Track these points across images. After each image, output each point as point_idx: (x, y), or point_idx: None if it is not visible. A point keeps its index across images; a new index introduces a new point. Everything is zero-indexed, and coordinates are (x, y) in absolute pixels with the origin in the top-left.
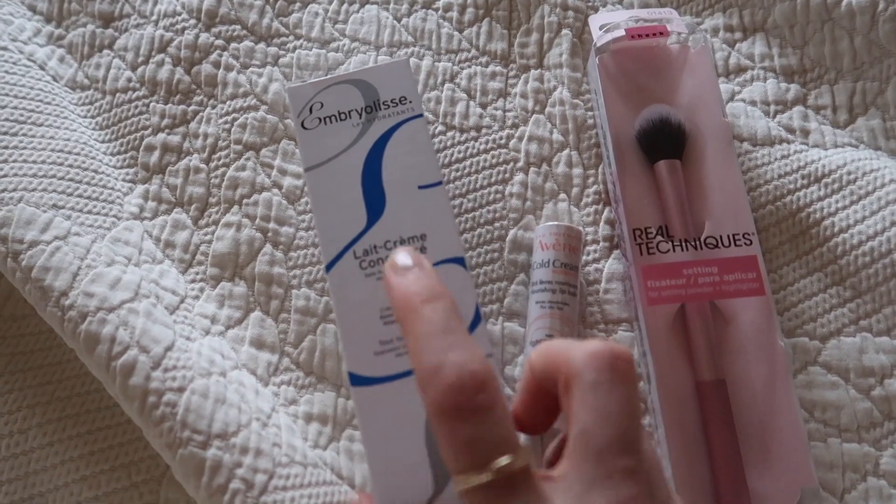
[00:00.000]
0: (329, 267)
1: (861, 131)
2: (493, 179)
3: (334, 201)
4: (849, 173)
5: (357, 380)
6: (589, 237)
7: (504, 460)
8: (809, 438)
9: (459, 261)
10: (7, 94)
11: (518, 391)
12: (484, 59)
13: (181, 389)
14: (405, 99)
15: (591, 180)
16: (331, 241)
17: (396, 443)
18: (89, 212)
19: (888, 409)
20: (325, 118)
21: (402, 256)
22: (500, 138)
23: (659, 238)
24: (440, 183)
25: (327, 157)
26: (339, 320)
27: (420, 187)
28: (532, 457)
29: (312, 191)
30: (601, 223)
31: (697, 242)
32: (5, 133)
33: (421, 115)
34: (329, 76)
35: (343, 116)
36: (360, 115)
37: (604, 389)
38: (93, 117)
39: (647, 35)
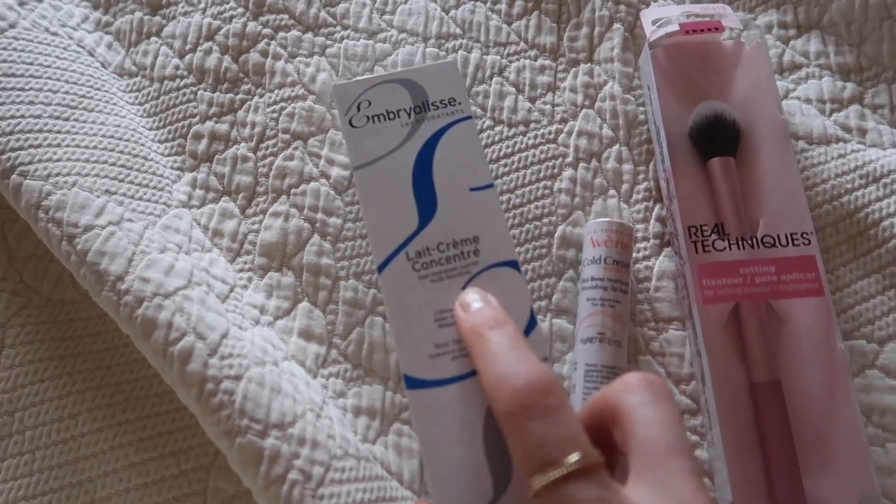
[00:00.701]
0: (381, 268)
1: None
2: (541, 175)
3: (385, 201)
4: None
5: (413, 382)
6: (639, 234)
7: (575, 456)
8: (868, 443)
9: (513, 264)
10: (59, 80)
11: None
12: (533, 53)
13: (238, 377)
14: (454, 100)
15: (641, 177)
16: (382, 241)
17: (454, 446)
18: (140, 198)
19: None
20: (373, 117)
21: (471, 296)
22: (549, 133)
23: (714, 236)
24: (492, 185)
25: (377, 157)
26: (393, 322)
27: (472, 189)
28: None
29: (362, 190)
30: (652, 220)
31: (754, 241)
32: (58, 118)
33: (470, 118)
34: (376, 75)
35: (392, 116)
36: (409, 114)
37: (650, 404)
38: (141, 104)
39: (702, 30)
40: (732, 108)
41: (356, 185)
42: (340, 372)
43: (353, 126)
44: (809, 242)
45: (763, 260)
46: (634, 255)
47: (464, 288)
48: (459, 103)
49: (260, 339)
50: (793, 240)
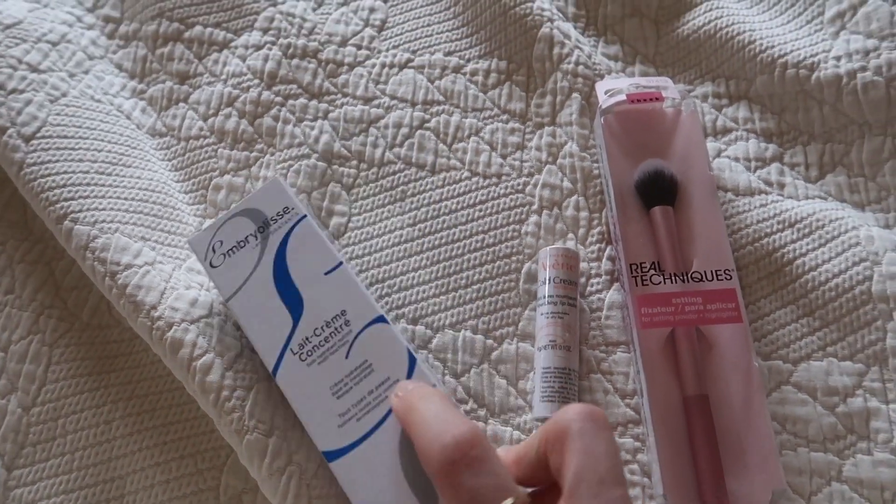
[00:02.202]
0: (275, 372)
1: (829, 186)
2: (511, 219)
3: (259, 315)
4: (818, 220)
5: (332, 455)
6: (592, 271)
7: (508, 503)
8: (781, 448)
9: (381, 319)
10: (103, 140)
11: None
12: (505, 117)
13: (249, 388)
14: (288, 209)
15: (595, 222)
16: (269, 349)
17: (384, 494)
18: (169, 244)
19: (850, 424)
20: (227, 252)
21: (401, 384)
22: (518, 185)
23: (652, 272)
24: (341, 263)
25: (241, 283)
26: (299, 412)
27: (326, 273)
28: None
29: (239, 315)
30: (604, 259)
31: (685, 276)
32: (102, 173)
33: (305, 216)
34: (216, 219)
35: (242, 244)
36: (256, 236)
37: (589, 434)
38: (169, 160)
39: (646, 100)
40: (671, 165)
41: (233, 314)
42: None
43: (213, 267)
44: (731, 278)
45: (692, 292)
46: (589, 288)
47: (347, 357)
48: (293, 209)
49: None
50: (717, 275)
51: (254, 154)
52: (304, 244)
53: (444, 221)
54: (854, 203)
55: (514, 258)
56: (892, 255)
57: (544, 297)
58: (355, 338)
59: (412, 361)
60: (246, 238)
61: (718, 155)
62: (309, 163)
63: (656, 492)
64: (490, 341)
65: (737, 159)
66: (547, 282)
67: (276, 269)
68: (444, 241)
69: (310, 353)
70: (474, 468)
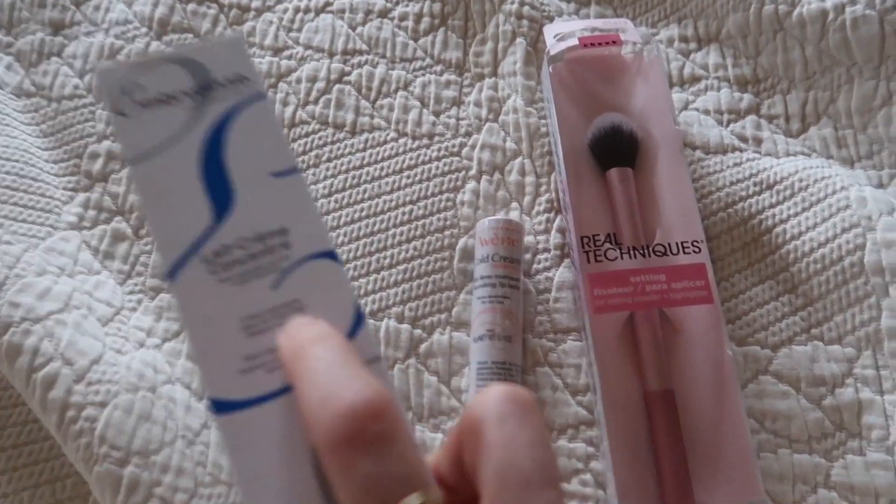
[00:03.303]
0: (171, 274)
1: (813, 140)
2: (444, 187)
3: (170, 197)
4: (800, 180)
5: (221, 406)
6: (540, 246)
7: (413, 499)
8: (760, 449)
9: (330, 255)
10: None
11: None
12: (438, 68)
13: (104, 404)
14: (243, 78)
15: (543, 188)
16: (171, 244)
17: (277, 476)
18: (23, 220)
19: (839, 420)
20: (146, 102)
21: (294, 321)
22: (453, 146)
23: (607, 245)
24: (296, 169)
25: (155, 147)
26: (192, 337)
27: (273, 175)
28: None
29: (141, 187)
30: (553, 231)
31: (646, 250)
32: None
33: (263, 96)
34: (142, 55)
35: (170, 100)
36: (192, 98)
37: (513, 421)
38: (37, 124)
39: (601, 44)
40: (630, 120)
41: (133, 182)
42: None
43: (122, 115)
44: (700, 251)
45: (654, 269)
46: (535, 266)
47: (275, 287)
48: (249, 80)
49: (140, 363)
50: (683, 248)
51: None
52: (253, 129)
53: (365, 191)
54: (842, 159)
55: (447, 233)
56: (888, 219)
57: (480, 278)
58: (292, 267)
59: (358, 318)
60: (177, 94)
61: (686, 107)
62: None
63: None
64: (418, 331)
65: (707, 112)
66: (485, 260)
67: (209, 147)
68: (365, 213)
69: (226, 268)
70: (375, 449)
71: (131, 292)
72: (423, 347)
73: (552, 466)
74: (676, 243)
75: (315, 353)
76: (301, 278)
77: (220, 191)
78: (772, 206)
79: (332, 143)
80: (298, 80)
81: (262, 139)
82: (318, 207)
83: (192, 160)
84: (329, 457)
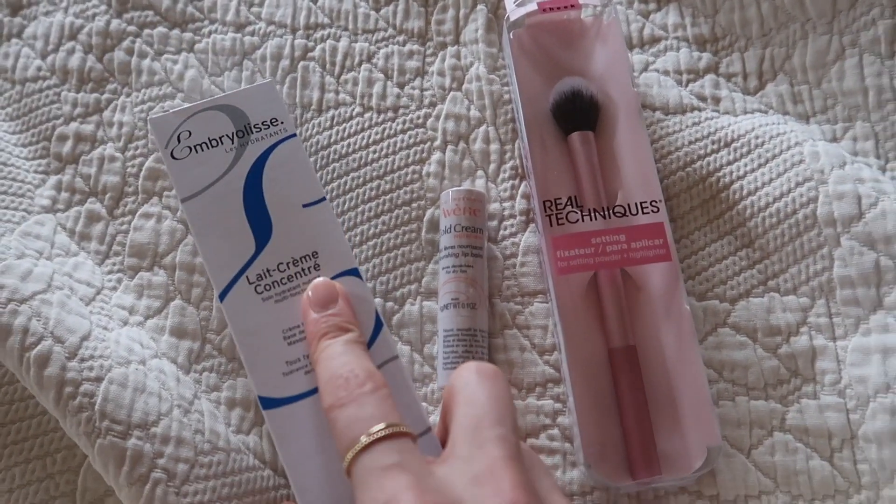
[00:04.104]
0: (223, 296)
1: (770, 97)
2: (410, 160)
3: (219, 229)
4: (756, 137)
5: (268, 403)
6: (506, 212)
7: (379, 426)
8: (718, 398)
9: (354, 272)
10: None
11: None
12: (401, 38)
13: (99, 379)
14: (276, 120)
15: (508, 155)
16: (221, 269)
17: (314, 457)
18: None
19: (794, 366)
20: (195, 146)
21: (318, 290)
22: (418, 118)
23: (569, 208)
24: (324, 199)
25: (204, 186)
26: (241, 347)
27: (304, 206)
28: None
29: (193, 221)
30: (518, 197)
31: (607, 212)
32: None
33: (294, 136)
34: (193, 104)
35: (214, 143)
36: (233, 140)
37: (473, 385)
38: (2, 108)
39: (560, 8)
40: (591, 84)
41: (187, 218)
42: (215, 366)
43: (175, 158)
44: (658, 210)
45: (614, 229)
46: (502, 232)
47: (304, 298)
48: (282, 122)
49: (126, 339)
50: (642, 208)
51: (105, 96)
52: (286, 166)
53: (333, 170)
54: (798, 115)
55: (415, 205)
56: (839, 172)
57: (444, 248)
58: None
59: (378, 325)
60: (221, 138)
61: (646, 68)
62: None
63: (578, 459)
64: (390, 304)
65: (666, 73)
66: (448, 230)
67: (249, 184)
68: (334, 193)
69: (268, 288)
70: (358, 403)
71: (110, 272)
72: (395, 319)
73: (503, 413)
74: (636, 204)
75: (331, 344)
76: None
77: (260, 222)
78: (729, 163)
79: (301, 123)
80: (263, 59)
81: (294, 174)
82: (342, 230)
83: (237, 196)
84: (328, 414)
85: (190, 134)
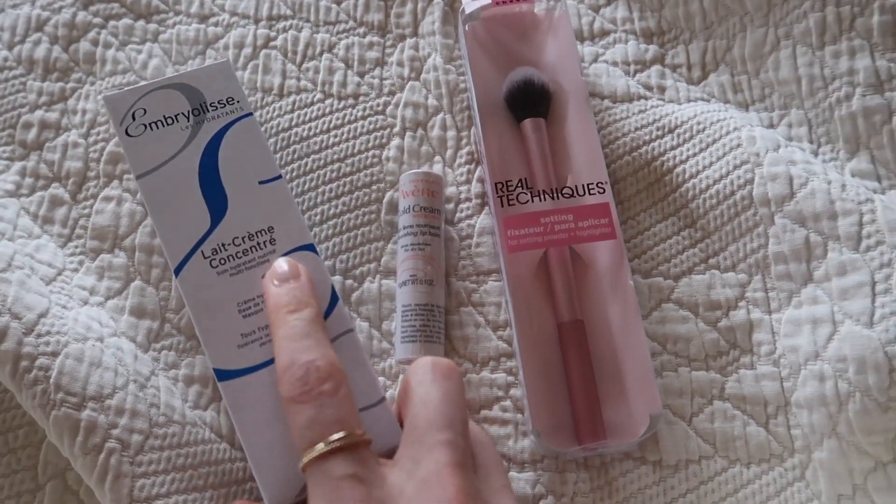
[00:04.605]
0: (178, 271)
1: (712, 87)
2: (370, 144)
3: (174, 205)
4: (698, 123)
5: (223, 374)
6: (462, 195)
7: (338, 434)
8: (662, 369)
9: (309, 247)
10: None
11: None
12: (362, 30)
13: (55, 354)
14: (232, 100)
15: (464, 142)
16: (176, 244)
17: (269, 428)
18: None
19: (733, 339)
20: (149, 124)
21: (281, 266)
22: (378, 105)
23: (519, 190)
24: (280, 176)
25: (159, 163)
26: (197, 321)
27: (260, 182)
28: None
29: (148, 198)
30: (473, 181)
31: (555, 193)
32: None
33: (251, 115)
34: (148, 82)
35: (170, 121)
36: (188, 118)
37: (426, 384)
38: None
39: (513, 1)
40: (542, 73)
41: (141, 194)
42: (173, 344)
43: (129, 136)
44: (604, 191)
45: (563, 209)
46: (458, 214)
47: (264, 277)
48: (238, 101)
49: (85, 317)
50: (589, 190)
51: (70, 85)
52: (242, 144)
53: (294, 151)
54: (738, 103)
55: (374, 187)
56: (773, 154)
57: (403, 228)
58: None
59: (334, 299)
60: (176, 116)
61: (596, 60)
62: None
63: (528, 428)
64: (350, 281)
65: (615, 63)
66: (406, 211)
67: (204, 160)
68: (295, 173)
69: (223, 262)
70: (318, 402)
71: (72, 254)
72: (354, 296)
73: (454, 416)
74: (583, 185)
75: (289, 320)
76: None
77: (216, 198)
78: (672, 148)
79: (262, 106)
80: (226, 47)
81: (250, 152)
82: (298, 208)
83: (193, 173)
84: (287, 405)
85: (145, 112)
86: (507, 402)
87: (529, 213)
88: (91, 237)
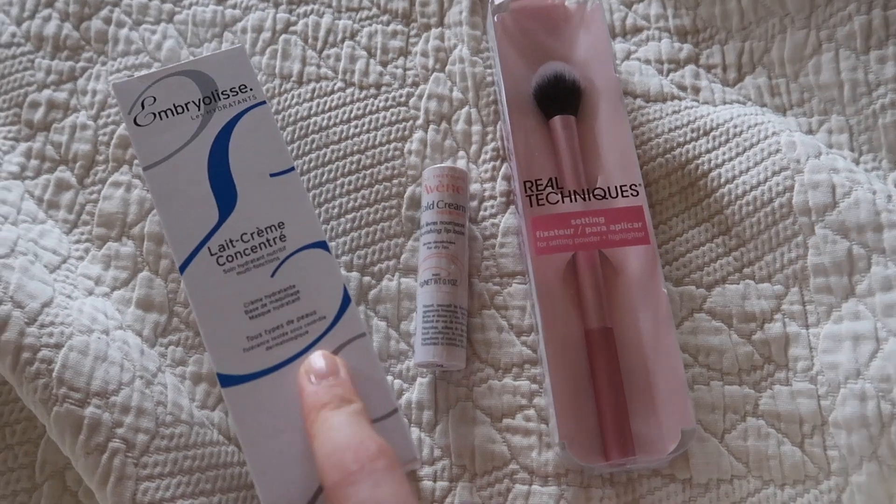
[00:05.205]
0: (183, 268)
1: (749, 89)
2: (392, 136)
3: (181, 198)
4: (735, 126)
5: (227, 380)
6: (486, 193)
7: None
8: (693, 382)
9: (321, 245)
10: None
11: None
12: (385, 18)
13: (58, 346)
14: (245, 87)
15: (489, 137)
16: (182, 239)
17: (276, 438)
18: None
19: (768, 353)
20: (159, 113)
21: (318, 362)
22: (400, 96)
23: (549, 190)
24: (293, 169)
25: (168, 154)
26: (201, 321)
27: (272, 175)
28: None
29: (155, 190)
30: (499, 178)
31: (587, 194)
32: None
33: (264, 103)
34: (157, 69)
35: (180, 109)
36: (199, 106)
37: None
38: None
39: None
40: (573, 69)
41: (149, 187)
42: (181, 340)
43: (137, 125)
44: (637, 194)
45: (594, 211)
46: (482, 213)
47: (273, 275)
48: (251, 89)
49: (91, 308)
50: (622, 192)
51: (81, 64)
52: (254, 134)
53: (313, 141)
54: (775, 107)
55: (395, 181)
56: (815, 161)
57: (426, 224)
58: (288, 257)
59: (346, 301)
60: (186, 104)
61: (628, 57)
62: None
63: (553, 440)
64: (367, 278)
65: (648, 62)
66: (430, 207)
67: (214, 152)
68: (312, 164)
69: (230, 259)
70: (375, 479)
71: (77, 241)
72: (372, 294)
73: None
74: (615, 187)
75: (333, 417)
76: (296, 266)
77: (225, 191)
78: (708, 151)
79: (279, 94)
80: (244, 31)
81: (262, 142)
82: (311, 202)
83: (202, 164)
84: (333, 492)
85: (154, 100)
86: (531, 412)
87: (559, 214)
88: (98, 224)
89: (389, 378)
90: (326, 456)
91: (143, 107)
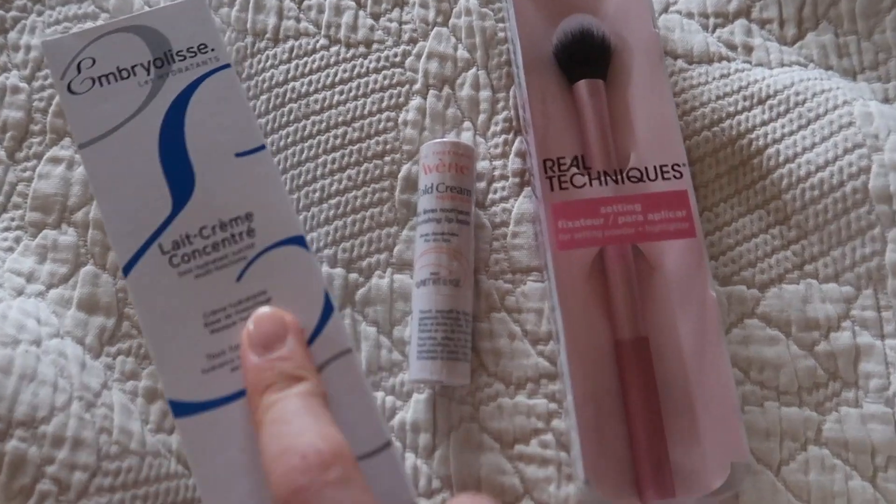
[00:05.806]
0: (127, 269)
1: (811, 48)
2: (384, 104)
3: (125, 184)
4: (797, 93)
5: (182, 408)
6: (496, 172)
7: None
8: (744, 402)
9: (298, 240)
10: None
11: None
12: None
13: None
14: (205, 47)
15: (500, 105)
16: (126, 234)
17: (242, 481)
18: None
19: (833, 367)
20: (99, 78)
21: (260, 323)
22: (395, 55)
23: (574, 170)
24: (263, 147)
25: (109, 128)
26: (149, 335)
27: (238, 155)
28: None
29: (93, 173)
30: (511, 155)
31: (619, 176)
32: None
33: (228, 66)
34: (98, 24)
35: (125, 74)
36: (148, 70)
37: None
38: None
39: None
40: (602, 23)
41: (85, 168)
42: (133, 348)
43: (72, 92)
44: (681, 175)
45: (628, 197)
46: (491, 196)
47: (238, 279)
48: (212, 49)
49: (18, 312)
50: (662, 173)
51: (12, 14)
52: (216, 104)
53: (290, 112)
54: (843, 70)
55: (387, 158)
56: None
57: (424, 212)
58: (257, 256)
59: (328, 310)
60: (133, 68)
61: (666, 9)
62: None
63: (575, 472)
64: (354, 275)
65: (690, 15)
66: (429, 190)
67: (167, 125)
68: (290, 140)
69: (186, 259)
70: (323, 498)
71: (6, 228)
72: (359, 294)
73: None
74: (654, 167)
75: (279, 401)
76: (267, 268)
77: (180, 175)
78: (763, 123)
79: (252, 55)
80: None
81: (226, 115)
82: (285, 188)
83: (152, 141)
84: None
85: (94, 62)
86: (549, 437)
87: (586, 200)
88: (32, 208)
89: (380, 395)
90: (271, 459)
91: (79, 70)
